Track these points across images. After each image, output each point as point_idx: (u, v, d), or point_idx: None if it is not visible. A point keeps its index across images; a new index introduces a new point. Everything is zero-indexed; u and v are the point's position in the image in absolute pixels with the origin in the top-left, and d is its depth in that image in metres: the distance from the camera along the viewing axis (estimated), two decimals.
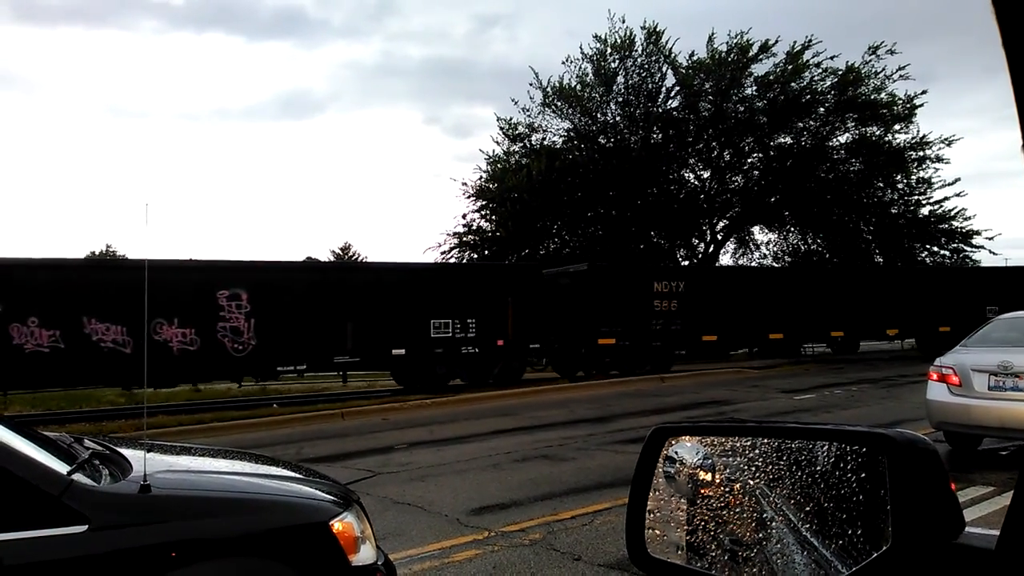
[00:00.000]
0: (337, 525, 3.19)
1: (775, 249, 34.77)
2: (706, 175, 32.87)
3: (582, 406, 14.85)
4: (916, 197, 31.84)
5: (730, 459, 1.03)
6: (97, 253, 56.48)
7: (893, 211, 31.95)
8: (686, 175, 32.91)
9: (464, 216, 32.42)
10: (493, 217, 31.62)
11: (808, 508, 0.93)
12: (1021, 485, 0.73)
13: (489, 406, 15.72)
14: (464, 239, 32.01)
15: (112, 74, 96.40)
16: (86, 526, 2.72)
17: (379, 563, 3.38)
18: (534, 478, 8.41)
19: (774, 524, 0.96)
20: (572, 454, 9.79)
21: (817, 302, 23.45)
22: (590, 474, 8.39)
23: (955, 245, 31.79)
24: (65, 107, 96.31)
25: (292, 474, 3.80)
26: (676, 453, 1.07)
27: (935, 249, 32.22)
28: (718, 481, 1.03)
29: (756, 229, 34.58)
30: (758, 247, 34.92)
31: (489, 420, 13.36)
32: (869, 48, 29.59)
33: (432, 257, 32.04)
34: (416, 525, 6.63)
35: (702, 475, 1.05)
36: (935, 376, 8.62)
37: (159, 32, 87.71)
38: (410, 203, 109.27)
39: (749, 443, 1.01)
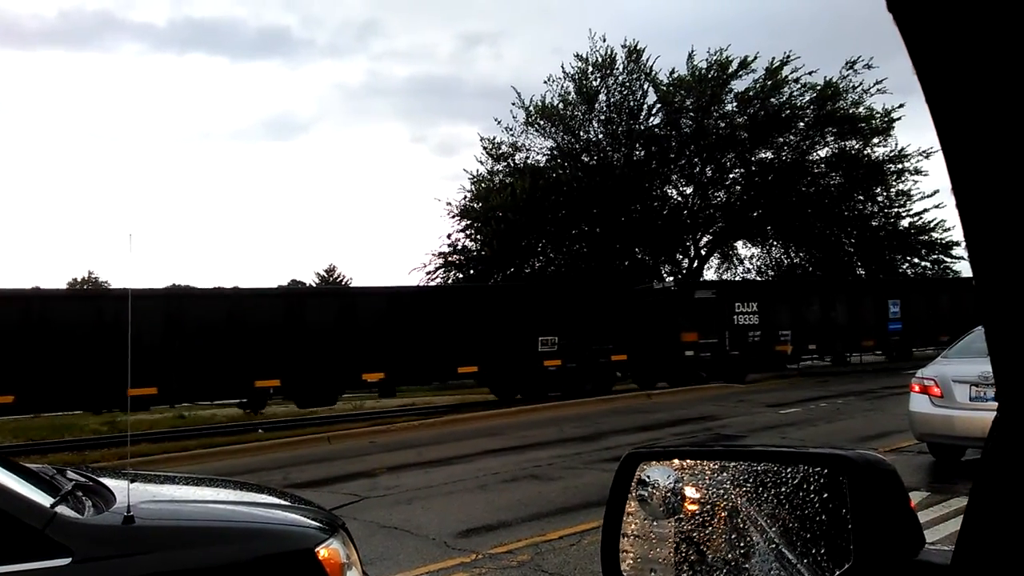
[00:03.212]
0: (323, 552, 3.18)
1: (759, 263, 35.10)
2: (689, 191, 33.16)
3: (570, 424, 14.85)
4: (896, 209, 32.26)
5: (700, 482, 1.06)
6: (79, 280, 56.10)
7: (874, 224, 32.32)
8: (669, 191, 33.19)
9: (449, 236, 32.51)
10: (478, 236, 31.70)
11: (775, 529, 0.96)
12: (972, 501, 0.76)
13: (477, 426, 15.68)
14: (449, 259, 32.06)
15: (94, 98, 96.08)
16: (70, 558, 2.70)
17: None
18: (522, 498, 8.40)
19: (743, 545, 0.99)
20: (560, 473, 9.78)
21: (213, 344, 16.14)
22: (578, 493, 8.39)
23: (935, 256, 32.16)
24: (45, 132, 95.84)
25: (277, 501, 3.79)
26: (649, 477, 1.10)
27: (916, 260, 32.60)
28: (690, 503, 1.06)
29: (740, 244, 34.90)
30: (742, 262, 35.25)
31: (477, 441, 13.32)
32: (846, 63, 30.03)
33: (418, 278, 32.06)
34: (403, 549, 6.60)
35: (674, 498, 1.08)
36: (917, 388, 8.70)
37: (141, 55, 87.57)
38: (398, 223, 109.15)
39: (718, 466, 1.04)
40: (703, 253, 33.96)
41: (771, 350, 23.35)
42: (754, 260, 35.18)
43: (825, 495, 0.91)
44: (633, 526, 1.10)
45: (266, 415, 18.78)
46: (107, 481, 3.42)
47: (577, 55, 31.31)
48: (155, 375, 15.29)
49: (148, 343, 15.03)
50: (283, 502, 3.82)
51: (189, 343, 15.78)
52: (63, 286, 37.85)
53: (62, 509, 2.86)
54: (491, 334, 19.17)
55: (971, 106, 0.66)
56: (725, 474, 1.03)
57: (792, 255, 34.22)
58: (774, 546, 0.95)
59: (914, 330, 25.76)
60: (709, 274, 34.21)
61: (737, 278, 34.27)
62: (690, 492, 1.06)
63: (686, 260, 33.92)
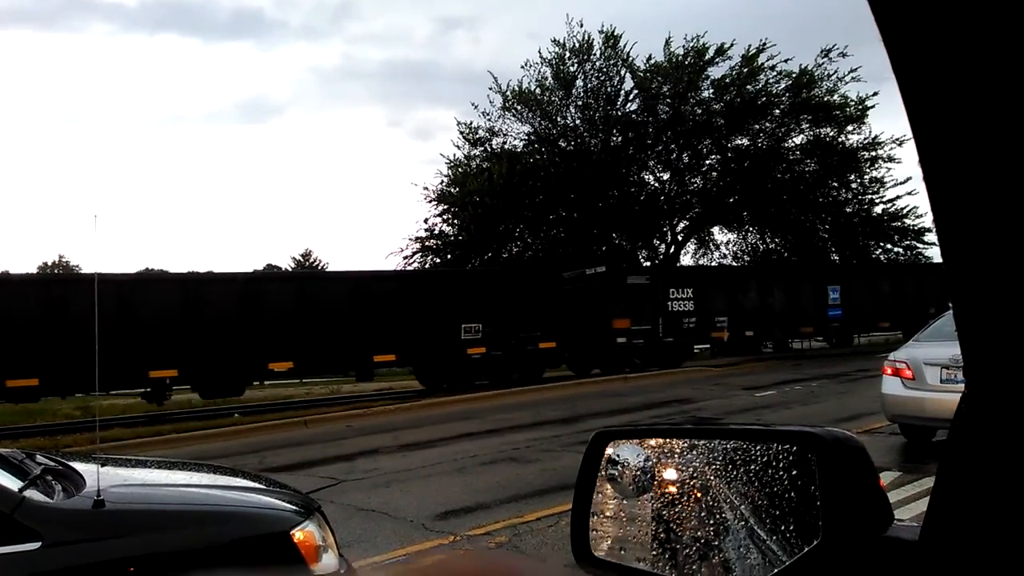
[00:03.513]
0: (298, 534, 3.17)
1: (735, 249, 35.35)
2: (666, 177, 33.23)
3: (549, 408, 14.90)
4: (869, 196, 32.56)
5: (670, 460, 1.06)
6: (50, 264, 55.31)
7: (848, 210, 32.62)
8: (646, 177, 33.25)
9: (426, 221, 32.38)
10: (455, 221, 31.61)
11: (744, 506, 0.96)
12: (940, 477, 0.76)
13: (455, 410, 15.70)
14: (426, 244, 31.95)
15: (64, 80, 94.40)
16: (39, 543, 2.68)
17: (341, 571, 3.37)
18: (500, 481, 8.43)
19: (713, 522, 0.99)
20: (538, 456, 9.83)
21: None
22: (555, 475, 8.42)
23: (908, 242, 32.57)
24: (14, 113, 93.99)
25: (252, 484, 3.77)
26: (618, 455, 1.10)
27: (888, 247, 33.00)
28: (659, 482, 1.06)
29: (716, 230, 35.09)
30: (718, 247, 35.47)
31: (455, 424, 13.34)
32: (822, 51, 30.17)
33: (395, 263, 31.91)
34: (381, 531, 6.61)
35: (644, 476, 1.08)
36: (889, 370, 8.82)
37: (111, 35, 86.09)
38: (374, 208, 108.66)
39: (687, 444, 1.04)
40: (680, 239, 34.13)
41: (707, 336, 22.92)
42: (730, 246, 35.44)
43: (794, 472, 0.91)
44: (603, 505, 1.11)
45: (168, 406, 18.21)
46: (77, 465, 3.38)
47: (554, 40, 31.22)
48: (36, 365, 14.65)
49: (28, 331, 14.46)
50: (258, 485, 3.80)
51: (74, 331, 14.49)
52: (33, 270, 37.27)
53: (31, 493, 2.83)
54: (410, 322, 18.42)
55: (944, 93, 0.66)
56: (695, 452, 1.03)
57: (768, 241, 34.48)
58: (744, 523, 0.96)
59: (854, 316, 25.34)
60: (686, 259, 34.43)
61: (714, 263, 34.49)
62: (660, 471, 1.06)
63: (663, 246, 34.08)
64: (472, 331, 19.40)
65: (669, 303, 21.91)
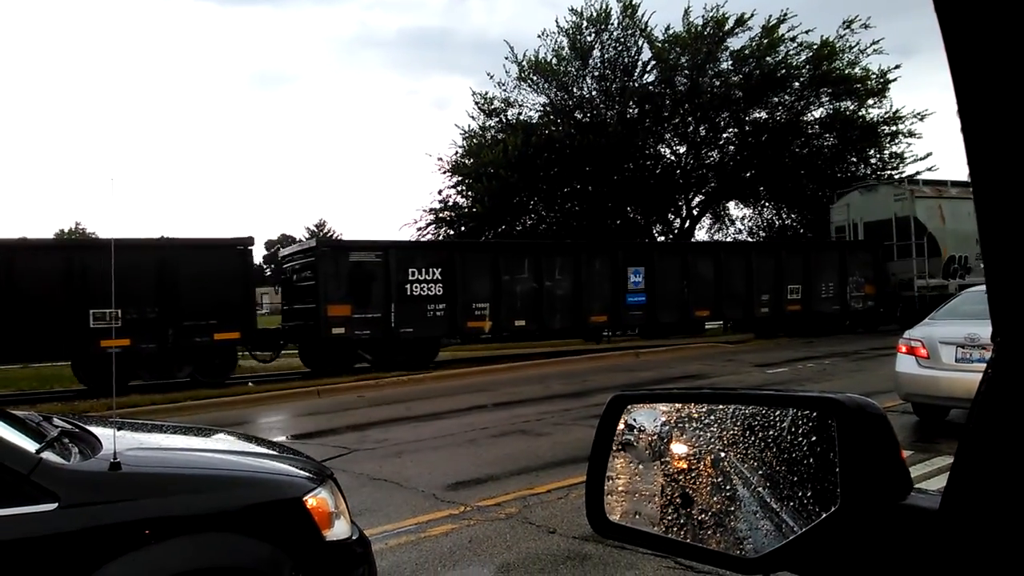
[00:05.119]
0: (311, 501, 3.20)
1: (750, 224, 35.12)
2: (682, 150, 33.00)
3: (558, 381, 14.95)
4: (889, 172, 32.19)
5: (687, 425, 1.05)
6: (66, 231, 55.73)
7: None
8: (662, 150, 33.04)
9: (440, 192, 32.33)
10: (469, 193, 31.53)
11: (762, 472, 0.95)
12: (961, 450, 0.75)
13: (466, 382, 15.78)
14: (440, 215, 31.91)
15: (78, 43, 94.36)
16: (56, 504, 2.71)
17: (353, 538, 3.40)
18: (510, 453, 8.47)
19: (730, 487, 0.98)
20: (548, 429, 9.86)
21: None
22: (566, 448, 8.46)
23: None
24: (26, 80, 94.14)
25: (265, 451, 3.80)
26: (635, 420, 1.09)
27: None
28: (676, 447, 1.05)
29: (731, 204, 34.88)
30: (733, 222, 35.26)
31: (466, 396, 13.40)
32: (844, 22, 29.77)
33: (409, 234, 31.91)
34: (392, 501, 6.66)
35: (660, 441, 1.07)
36: (904, 349, 8.76)
37: None
38: (388, 177, 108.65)
39: (705, 409, 1.03)
40: (695, 213, 33.93)
41: (461, 326, 18.82)
42: (746, 221, 35.25)
43: (814, 438, 0.90)
44: (619, 470, 1.10)
45: None
46: (94, 428, 3.42)
47: (571, 9, 30.96)
48: None
49: None
50: (272, 452, 3.84)
51: None
52: (50, 236, 37.52)
53: (48, 455, 2.86)
54: (8, 308, 14.49)
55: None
56: (712, 417, 1.02)
57: (784, 216, 34.23)
58: (761, 489, 0.95)
59: (663, 304, 21.02)
60: (701, 234, 34.26)
61: (729, 239, 34.30)
62: (677, 435, 1.05)
63: (678, 220, 33.90)
64: (107, 318, 15.07)
65: (408, 286, 17.99)
